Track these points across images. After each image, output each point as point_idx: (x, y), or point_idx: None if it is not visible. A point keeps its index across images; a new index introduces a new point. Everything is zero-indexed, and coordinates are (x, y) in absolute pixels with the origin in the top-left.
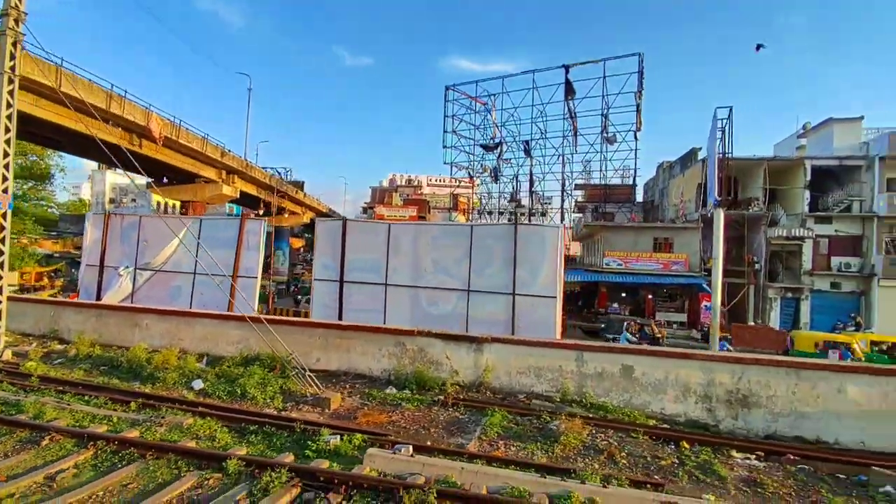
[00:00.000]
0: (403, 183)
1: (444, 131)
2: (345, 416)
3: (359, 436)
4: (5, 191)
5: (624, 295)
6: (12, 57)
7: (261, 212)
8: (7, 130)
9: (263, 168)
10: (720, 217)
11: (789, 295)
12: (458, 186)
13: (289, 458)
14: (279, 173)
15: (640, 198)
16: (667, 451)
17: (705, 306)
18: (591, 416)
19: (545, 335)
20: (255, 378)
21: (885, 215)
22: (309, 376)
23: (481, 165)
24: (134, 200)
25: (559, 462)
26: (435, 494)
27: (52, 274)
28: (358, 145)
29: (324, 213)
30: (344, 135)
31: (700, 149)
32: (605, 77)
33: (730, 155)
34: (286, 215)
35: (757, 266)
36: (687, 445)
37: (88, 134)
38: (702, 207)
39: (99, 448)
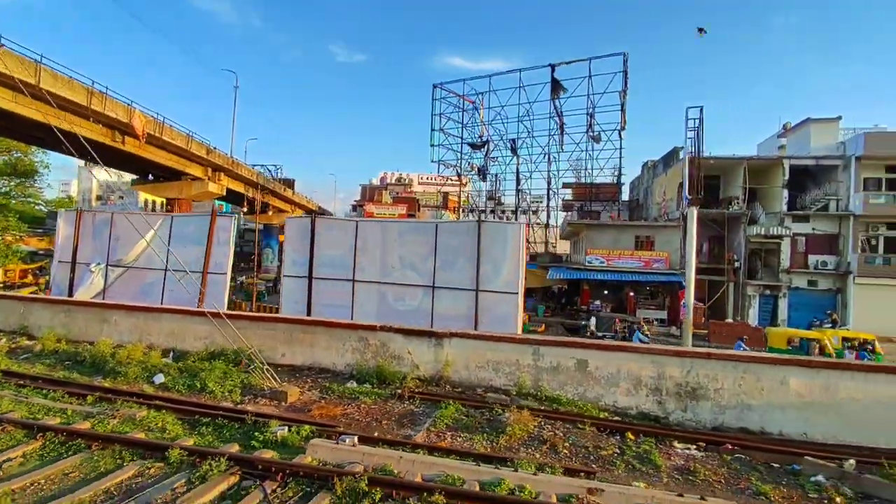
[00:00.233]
0: (394, 181)
1: (432, 129)
2: (300, 409)
3: (307, 427)
4: None
5: (606, 292)
6: None
7: (245, 209)
8: None
9: (252, 165)
10: (693, 215)
11: (767, 292)
12: (445, 184)
13: (234, 448)
14: (270, 171)
15: (627, 196)
16: (611, 442)
17: (684, 303)
18: (543, 408)
19: (507, 330)
20: (216, 372)
21: (860, 214)
22: (267, 370)
23: (469, 164)
24: (122, 198)
25: (502, 452)
26: (366, 482)
27: (38, 271)
28: (351, 144)
29: (313, 211)
30: (337, 133)
31: (682, 148)
32: (590, 76)
33: (702, 154)
34: (272, 213)
35: (736, 264)
36: (632, 436)
37: (69, 130)
38: (682, 206)
39: (48, 439)
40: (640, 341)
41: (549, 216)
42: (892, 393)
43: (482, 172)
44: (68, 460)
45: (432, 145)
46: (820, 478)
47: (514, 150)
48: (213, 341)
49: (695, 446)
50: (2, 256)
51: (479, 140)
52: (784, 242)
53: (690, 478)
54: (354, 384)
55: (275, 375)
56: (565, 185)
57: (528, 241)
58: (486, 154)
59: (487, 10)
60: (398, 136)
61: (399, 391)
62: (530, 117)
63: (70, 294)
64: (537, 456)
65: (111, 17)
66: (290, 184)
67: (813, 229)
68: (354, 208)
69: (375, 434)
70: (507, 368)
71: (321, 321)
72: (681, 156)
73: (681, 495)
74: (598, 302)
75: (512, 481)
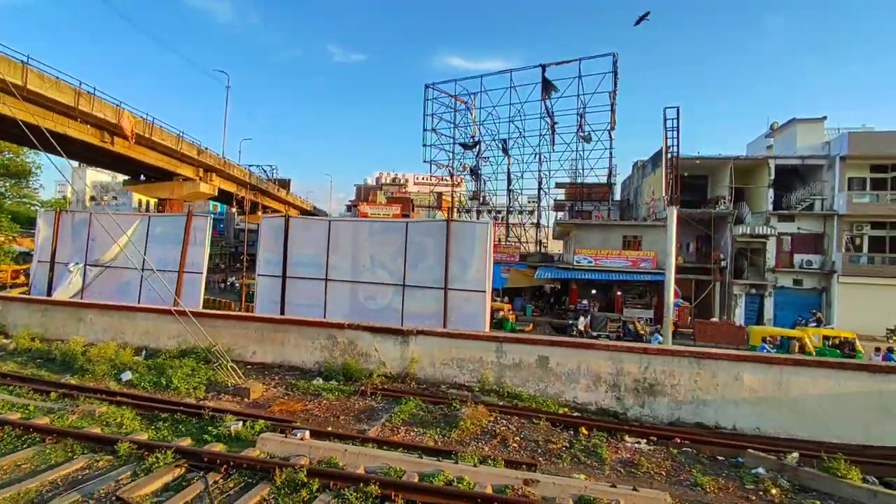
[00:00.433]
0: (389, 181)
1: (424, 129)
2: (262, 405)
3: (261, 422)
4: None
5: (594, 292)
6: None
7: (234, 209)
8: None
9: (248, 166)
10: (673, 215)
11: (754, 291)
12: (437, 185)
13: (186, 442)
14: (265, 171)
15: (619, 196)
16: (563, 437)
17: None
18: (502, 404)
19: (475, 328)
20: (184, 370)
21: (844, 213)
22: (232, 367)
23: (461, 164)
24: (115, 198)
25: (453, 446)
26: (305, 473)
27: (30, 271)
28: (350, 144)
29: (308, 211)
30: (337, 134)
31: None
32: (580, 77)
33: (678, 154)
34: (268, 213)
35: (723, 263)
36: (585, 431)
37: (56, 131)
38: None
39: (6, 432)
40: (658, 342)
41: (539, 216)
42: (843, 388)
43: (474, 172)
44: (21, 453)
45: (424, 145)
46: (760, 470)
47: (505, 151)
48: (186, 340)
49: (645, 440)
50: None
51: (470, 140)
52: (770, 242)
53: (633, 470)
54: (321, 381)
55: (239, 372)
56: (558, 185)
57: (519, 240)
58: (478, 154)
59: (487, 10)
60: (397, 137)
61: (362, 388)
62: (521, 117)
63: (49, 293)
64: (486, 449)
65: (104, 19)
66: (285, 184)
67: (798, 229)
68: (349, 208)
69: (329, 429)
70: (471, 365)
71: (291, 320)
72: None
73: (614, 486)
74: (585, 301)
75: (451, 473)
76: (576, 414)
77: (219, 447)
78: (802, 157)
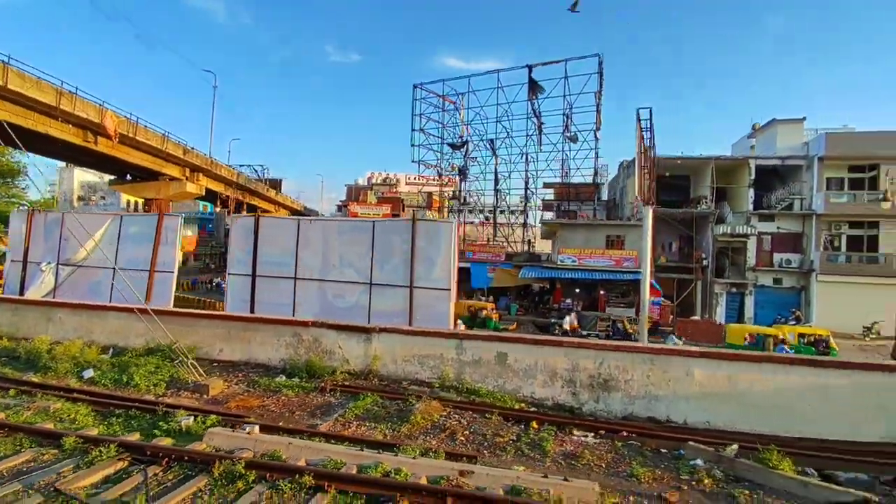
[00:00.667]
0: (380, 181)
1: (413, 129)
2: (220, 401)
3: (213, 417)
4: None
5: (578, 291)
6: None
7: (218, 208)
8: None
9: (239, 166)
10: (648, 215)
11: (734, 290)
12: (425, 185)
13: (134, 436)
14: (256, 171)
15: (606, 196)
16: (512, 430)
17: (652, 301)
18: (460, 399)
19: (441, 325)
20: (148, 367)
21: (822, 213)
22: (192, 364)
23: (449, 164)
24: (103, 198)
25: (401, 440)
26: (243, 465)
27: None
28: (346, 144)
29: (298, 211)
30: (333, 134)
31: (651, 148)
32: (566, 77)
33: (650, 154)
34: (246, 212)
35: (705, 262)
36: (535, 425)
37: (37, 130)
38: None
39: None
40: (675, 343)
41: (526, 216)
42: (789, 383)
43: (462, 172)
44: None
45: (413, 145)
46: (699, 461)
47: (493, 151)
48: (153, 338)
49: (593, 434)
50: None
51: (458, 140)
52: (750, 241)
53: (573, 462)
54: (284, 378)
55: (200, 369)
56: (546, 185)
57: (507, 240)
58: (466, 154)
59: (486, 10)
60: (393, 137)
61: (322, 385)
62: (509, 118)
63: (21, 292)
64: (433, 443)
65: (105, 20)
66: (276, 184)
67: (778, 228)
68: (339, 208)
69: (281, 424)
70: (432, 362)
71: (258, 318)
72: (650, 155)
73: (546, 476)
74: (569, 301)
75: (390, 465)
76: (532, 409)
77: (166, 441)
78: (782, 158)
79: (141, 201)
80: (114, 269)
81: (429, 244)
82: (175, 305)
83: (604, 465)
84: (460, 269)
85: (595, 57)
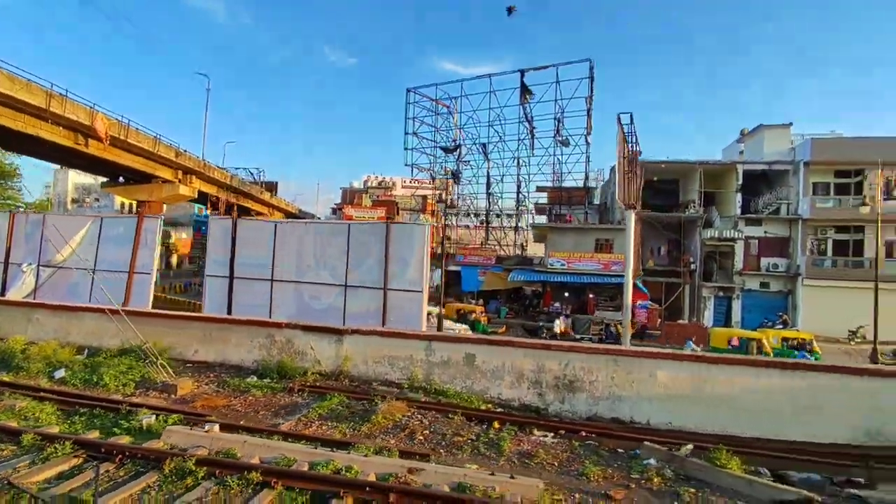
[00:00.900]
0: (376, 184)
1: (406, 133)
2: (187, 400)
3: (174, 416)
4: None
5: (567, 294)
6: None
7: (208, 211)
8: None
9: (234, 169)
10: (631, 219)
11: (721, 294)
12: (419, 188)
13: (93, 434)
14: (252, 174)
15: (599, 200)
16: (473, 430)
17: (640, 305)
18: (425, 400)
19: (413, 327)
20: (120, 367)
21: (808, 218)
22: (162, 365)
23: (442, 167)
24: (97, 200)
25: (360, 439)
26: (194, 462)
27: None
28: (347, 147)
29: (293, 214)
30: (331, 137)
31: (640, 152)
32: (557, 82)
33: (635, 158)
34: (236, 214)
35: (693, 266)
36: (497, 425)
37: (27, 132)
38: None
39: None
40: (693, 349)
41: (518, 219)
42: (754, 384)
43: (455, 176)
44: None
45: (406, 149)
46: (651, 461)
47: (485, 155)
48: (128, 339)
49: (552, 434)
50: None
51: (451, 144)
52: (738, 245)
53: (527, 461)
54: (255, 379)
55: (170, 370)
56: (539, 189)
57: (499, 243)
58: (458, 157)
59: (484, 13)
60: (389, 140)
61: (291, 385)
62: (501, 122)
63: (2, 294)
64: (392, 441)
65: (106, 20)
66: (272, 187)
67: (765, 232)
68: (334, 211)
69: (243, 422)
70: (402, 363)
71: (232, 319)
72: (638, 159)
73: (493, 474)
74: (557, 304)
75: (341, 462)
76: (499, 410)
77: (124, 440)
78: (769, 163)
79: (135, 203)
80: (91, 270)
81: (403, 246)
82: (165, 307)
83: (557, 464)
84: (451, 272)
85: (586, 62)
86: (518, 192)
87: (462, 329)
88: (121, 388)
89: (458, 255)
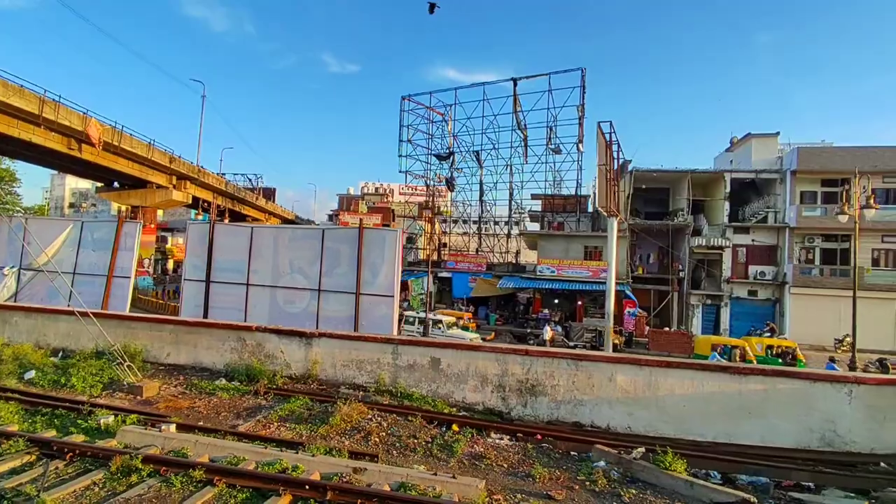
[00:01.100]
0: (372, 191)
1: (400, 140)
2: (152, 402)
3: (133, 416)
4: None
5: (556, 301)
6: None
7: (201, 216)
8: None
9: (233, 174)
10: (613, 226)
11: (710, 302)
12: (412, 194)
13: (50, 433)
14: (250, 180)
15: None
16: (430, 433)
17: (628, 312)
18: (388, 403)
19: (385, 331)
20: (90, 369)
21: (795, 226)
22: (129, 366)
23: (436, 174)
24: (94, 205)
25: (316, 440)
26: (140, 460)
27: None
28: (346, 154)
29: (290, 220)
30: (331, 143)
31: (630, 161)
32: (550, 90)
33: (617, 167)
34: (229, 220)
35: (681, 274)
36: (456, 428)
37: (21, 138)
38: (629, 217)
39: None
40: (717, 360)
41: (510, 226)
42: (706, 388)
43: (450, 183)
44: None
45: (400, 156)
46: (601, 463)
47: (479, 162)
48: (103, 342)
49: (509, 437)
50: None
51: (445, 151)
52: (726, 253)
53: (477, 463)
54: (224, 381)
55: (137, 371)
56: (533, 196)
57: (492, 250)
58: (452, 165)
59: (485, 20)
60: (388, 147)
61: (257, 387)
62: (495, 129)
63: None
64: (346, 442)
65: (94, 29)
66: (269, 193)
67: (753, 241)
68: (331, 217)
69: (201, 423)
70: (369, 367)
71: (204, 322)
72: (628, 168)
73: (435, 474)
74: (546, 311)
75: (289, 462)
76: (463, 413)
77: (78, 438)
78: (756, 171)
79: (129, 208)
80: (67, 273)
81: (375, 252)
82: (153, 312)
83: (506, 466)
84: (443, 278)
85: (578, 71)
86: (511, 200)
87: (473, 338)
88: (88, 390)
89: (448, 261)
